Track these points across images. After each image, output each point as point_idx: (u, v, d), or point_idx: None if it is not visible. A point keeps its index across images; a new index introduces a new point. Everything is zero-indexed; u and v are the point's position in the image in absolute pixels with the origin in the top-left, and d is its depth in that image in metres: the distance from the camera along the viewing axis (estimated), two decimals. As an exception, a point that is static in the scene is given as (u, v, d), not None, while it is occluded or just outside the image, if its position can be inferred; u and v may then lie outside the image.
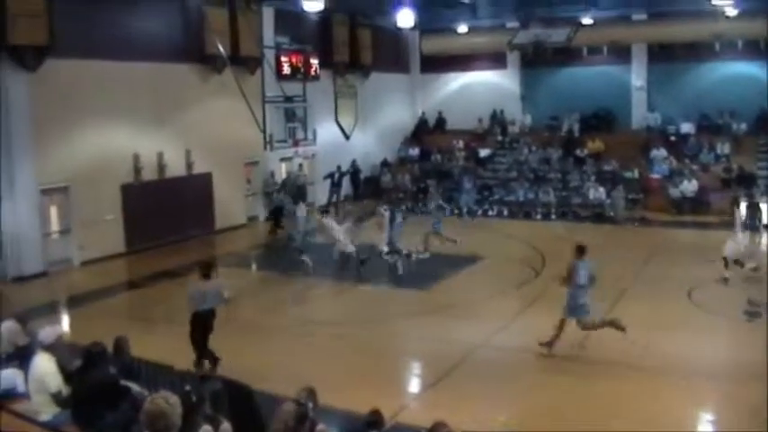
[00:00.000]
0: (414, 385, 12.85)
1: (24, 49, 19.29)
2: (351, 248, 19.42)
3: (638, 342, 13.36)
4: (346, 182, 31.69)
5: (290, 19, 28.60)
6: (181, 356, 12.36)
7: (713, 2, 22.80)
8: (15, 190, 19.61)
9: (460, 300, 17.25)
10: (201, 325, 12.69)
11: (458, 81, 37.72)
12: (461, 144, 35.23)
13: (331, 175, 30.21)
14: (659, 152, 30.53)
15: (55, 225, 21.34)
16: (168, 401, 6.02)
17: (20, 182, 19.70)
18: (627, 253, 21.95)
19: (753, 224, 24.68)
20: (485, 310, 16.55)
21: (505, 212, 29.29)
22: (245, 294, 18.75)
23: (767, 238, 23.85)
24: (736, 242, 18.68)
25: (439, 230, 21.83)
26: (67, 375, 8.94)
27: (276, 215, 25.98)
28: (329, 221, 20.21)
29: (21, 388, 9.49)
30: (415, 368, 13.64)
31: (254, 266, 22.30)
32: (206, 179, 25.62)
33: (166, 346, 13.39)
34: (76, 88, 20.89)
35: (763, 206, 24.95)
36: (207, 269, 12.93)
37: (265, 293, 18.87)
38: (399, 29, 32.10)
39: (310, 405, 7.48)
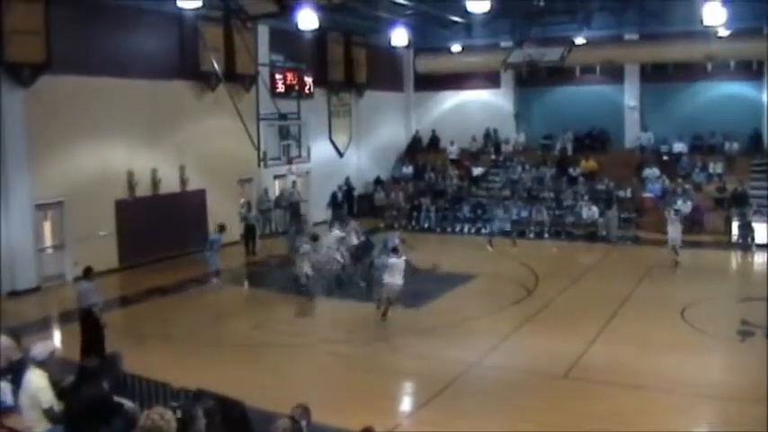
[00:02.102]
0: (407, 403, 12.83)
1: (21, 65, 19.36)
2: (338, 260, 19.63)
3: (631, 362, 13.44)
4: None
5: (284, 37, 28.69)
6: (174, 373, 12.34)
7: (705, 22, 22.90)
8: (10, 205, 19.62)
9: (453, 318, 17.22)
10: (81, 321, 13.86)
11: (452, 100, 37.82)
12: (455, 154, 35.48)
13: (334, 197, 30.20)
14: (652, 171, 30.65)
15: (49, 240, 21.36)
16: (164, 417, 6.03)
17: (14, 197, 19.70)
18: (620, 272, 22.01)
19: (745, 243, 24.81)
20: (478, 328, 16.52)
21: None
22: (238, 312, 18.78)
23: (761, 257, 23.85)
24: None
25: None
26: (60, 391, 8.92)
27: (248, 237, 25.66)
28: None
29: (10, 401, 9.47)
30: (409, 386, 13.62)
31: (246, 284, 22.26)
32: (200, 195, 25.61)
33: (160, 362, 13.38)
34: (72, 104, 20.93)
35: (755, 225, 25.04)
36: (85, 271, 14.58)
37: (258, 311, 18.84)
38: (394, 47, 32.26)
39: (304, 422, 7.50)
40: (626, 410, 11.33)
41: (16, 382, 9.44)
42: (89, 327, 13.78)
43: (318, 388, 12.26)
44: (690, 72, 32.12)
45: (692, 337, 15.22)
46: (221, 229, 21.34)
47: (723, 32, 27.78)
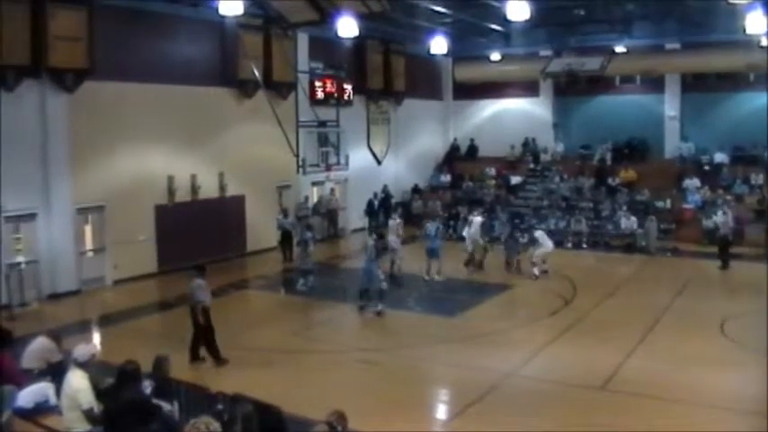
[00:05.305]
0: (441, 412, 12.81)
1: (64, 71, 19.70)
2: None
3: (669, 375, 13.33)
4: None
5: (324, 45, 28.85)
6: (211, 377, 12.47)
7: (748, 31, 22.64)
8: (52, 208, 19.95)
9: (489, 327, 17.17)
10: (192, 314, 14.45)
11: (490, 108, 37.82)
12: (493, 171, 35.35)
13: (370, 204, 30.22)
14: (692, 182, 30.35)
15: (89, 244, 21.63)
16: (209, 428, 6.10)
17: (56, 200, 20.04)
18: (659, 284, 21.82)
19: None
20: (514, 338, 16.46)
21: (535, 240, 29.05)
22: (275, 318, 18.85)
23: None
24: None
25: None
26: (99, 393, 9.05)
27: (284, 244, 25.69)
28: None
29: (52, 401, 9.63)
30: (443, 395, 13.59)
31: (282, 290, 22.33)
32: (239, 201, 25.82)
33: (197, 366, 13.52)
34: (114, 110, 21.26)
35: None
36: (198, 268, 15.10)
37: (294, 318, 18.91)
38: (433, 56, 32.31)
39: (340, 429, 7.52)
40: (664, 425, 11.20)
41: (56, 384, 9.61)
42: (197, 321, 14.34)
43: (354, 395, 12.27)
44: (731, 82, 31.75)
45: (731, 352, 15.02)
46: (309, 227, 22.33)
47: (766, 42, 27.44)
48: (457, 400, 12.85)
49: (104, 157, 21.27)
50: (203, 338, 14.35)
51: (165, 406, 9.21)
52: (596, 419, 11.51)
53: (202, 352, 14.40)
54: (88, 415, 8.72)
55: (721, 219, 24.49)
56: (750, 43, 27.28)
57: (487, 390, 12.92)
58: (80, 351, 9.17)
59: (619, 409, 12.02)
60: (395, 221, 23.38)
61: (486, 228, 24.52)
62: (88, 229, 21.59)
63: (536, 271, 22.20)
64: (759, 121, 30.28)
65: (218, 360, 14.22)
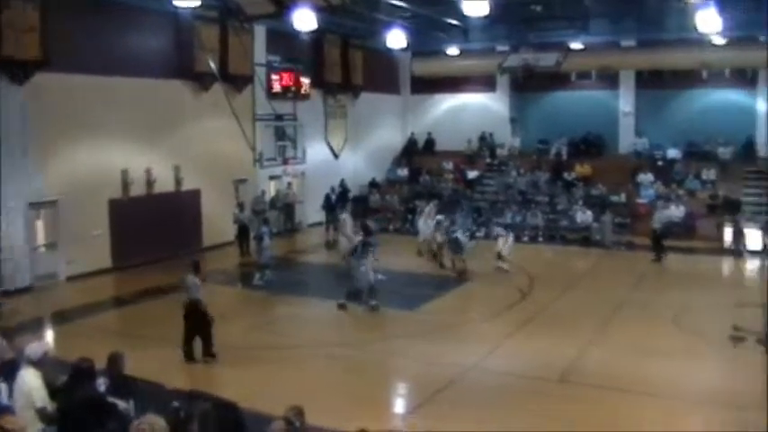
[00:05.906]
0: (401, 406, 12.81)
1: (16, 62, 19.26)
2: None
3: (625, 367, 13.47)
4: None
5: (281, 38, 28.65)
6: (168, 374, 12.32)
7: (699, 29, 22.89)
8: (3, 203, 19.51)
9: (448, 321, 17.23)
10: (186, 311, 14.34)
11: (448, 103, 37.94)
12: (450, 165, 35.44)
13: (328, 198, 30.14)
14: (646, 177, 30.73)
15: (42, 239, 21.25)
16: (153, 429, 5.99)
17: (8, 195, 19.59)
18: (615, 277, 22.04)
19: (737, 249, 24.88)
20: (473, 332, 16.54)
21: (493, 234, 29.20)
22: (233, 313, 18.69)
23: (752, 264, 23.94)
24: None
25: None
26: (53, 391, 8.88)
27: (241, 238, 25.46)
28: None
29: (5, 400, 9.42)
30: (403, 389, 13.60)
31: (240, 285, 22.17)
32: (195, 196, 25.54)
33: (154, 363, 13.34)
34: (67, 102, 20.83)
35: (747, 232, 25.14)
36: (194, 265, 14.88)
37: (253, 313, 18.78)
38: (391, 50, 32.23)
39: (298, 424, 7.47)
40: (620, 415, 11.36)
41: (8, 382, 9.41)
42: (192, 317, 14.22)
43: (313, 390, 12.20)
44: (685, 79, 32.32)
45: (684, 343, 15.23)
46: (266, 222, 22.39)
47: (719, 41, 27.86)
48: (417, 393, 12.88)
49: (58, 151, 20.87)
50: (189, 332, 14.25)
51: (120, 404, 9.07)
52: (554, 411, 11.62)
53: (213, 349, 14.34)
54: (41, 414, 8.55)
55: (657, 214, 24.96)
56: (703, 42, 27.67)
57: (447, 383, 12.96)
58: (33, 349, 8.98)
59: (576, 400, 12.13)
60: (343, 217, 23.21)
61: (442, 222, 24.13)
62: (40, 225, 21.19)
63: (505, 265, 22.40)
64: (711, 118, 30.89)
65: (187, 356, 14.16)
